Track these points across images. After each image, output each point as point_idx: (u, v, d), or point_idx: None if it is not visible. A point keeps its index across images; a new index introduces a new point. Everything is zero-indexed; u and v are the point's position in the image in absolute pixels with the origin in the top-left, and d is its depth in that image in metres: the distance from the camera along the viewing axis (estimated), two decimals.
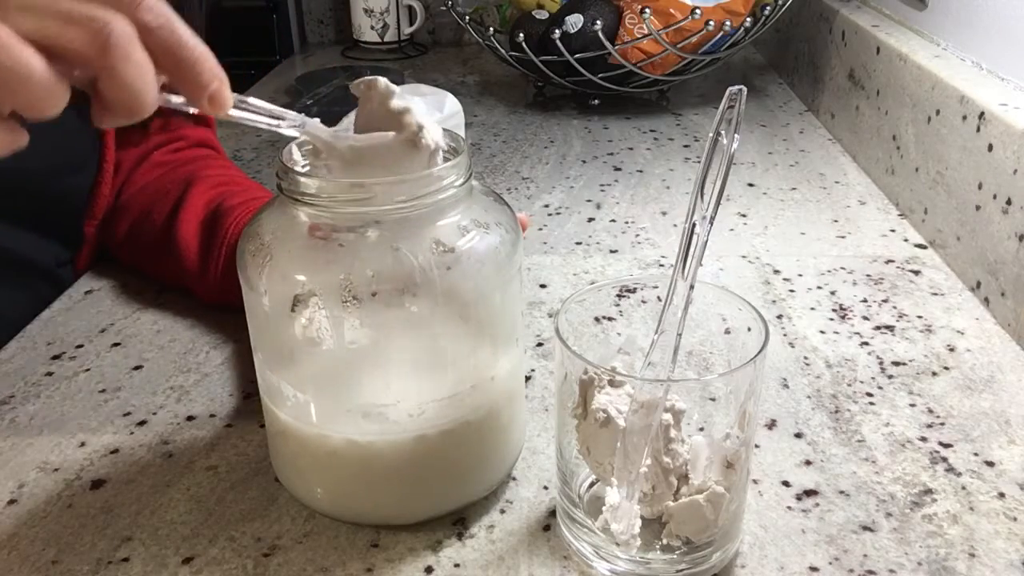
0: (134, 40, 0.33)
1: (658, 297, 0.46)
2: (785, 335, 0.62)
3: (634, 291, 0.47)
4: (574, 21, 1.04)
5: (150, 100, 0.34)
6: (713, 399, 0.43)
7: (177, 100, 0.36)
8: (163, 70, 0.34)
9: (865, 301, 0.66)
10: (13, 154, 0.34)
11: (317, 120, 0.41)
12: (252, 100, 0.38)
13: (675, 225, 0.80)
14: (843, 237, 0.77)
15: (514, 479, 0.49)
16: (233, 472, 0.50)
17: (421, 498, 0.45)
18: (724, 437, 0.42)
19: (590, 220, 0.81)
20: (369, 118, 0.41)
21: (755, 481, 0.48)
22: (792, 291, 0.68)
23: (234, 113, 0.37)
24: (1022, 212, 0.61)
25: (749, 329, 0.42)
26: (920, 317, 0.64)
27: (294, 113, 0.40)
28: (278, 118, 0.40)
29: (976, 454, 0.50)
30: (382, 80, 0.41)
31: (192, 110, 0.36)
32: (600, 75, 1.06)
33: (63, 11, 0.32)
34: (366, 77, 0.42)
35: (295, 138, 0.41)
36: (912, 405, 0.54)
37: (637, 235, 0.78)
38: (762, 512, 0.46)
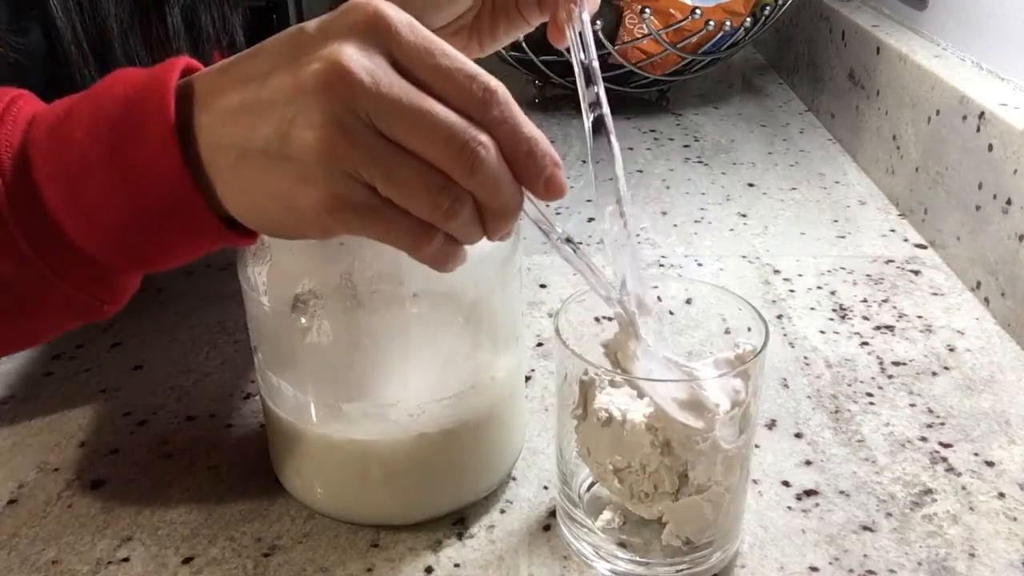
0: (495, 159, 0.33)
1: (659, 297, 0.46)
2: (785, 335, 0.62)
3: None
4: None
5: (517, 205, 0.35)
6: None
7: (533, 214, 0.36)
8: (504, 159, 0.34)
9: (865, 301, 0.66)
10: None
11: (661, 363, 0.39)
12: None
13: (675, 225, 0.80)
14: (843, 237, 0.77)
15: (514, 479, 0.49)
16: (233, 472, 0.50)
17: (421, 498, 0.45)
18: None
19: (590, 220, 0.81)
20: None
21: (755, 481, 0.48)
22: (792, 291, 0.68)
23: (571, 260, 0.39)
24: (1022, 212, 0.61)
25: (749, 329, 0.42)
26: (920, 317, 0.64)
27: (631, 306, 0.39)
28: (608, 295, 0.39)
29: (976, 454, 0.50)
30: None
31: (550, 231, 0.38)
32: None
33: (426, 124, 0.32)
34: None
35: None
36: (912, 405, 0.54)
37: (637, 235, 0.78)
38: (762, 512, 0.46)
